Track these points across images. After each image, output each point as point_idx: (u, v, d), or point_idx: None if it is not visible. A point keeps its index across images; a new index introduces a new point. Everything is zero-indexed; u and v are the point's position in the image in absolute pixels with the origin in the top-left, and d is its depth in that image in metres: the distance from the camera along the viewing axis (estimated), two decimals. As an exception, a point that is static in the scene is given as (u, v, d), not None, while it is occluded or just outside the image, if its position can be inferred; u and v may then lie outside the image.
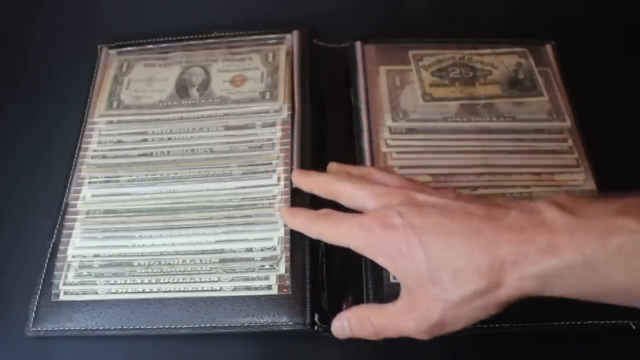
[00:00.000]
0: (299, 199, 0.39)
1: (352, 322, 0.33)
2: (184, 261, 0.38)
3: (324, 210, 0.34)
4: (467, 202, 0.31)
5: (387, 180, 0.35)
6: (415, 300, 0.30)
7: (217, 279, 0.37)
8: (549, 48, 0.47)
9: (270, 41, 0.48)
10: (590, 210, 0.27)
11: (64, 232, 0.39)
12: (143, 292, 0.37)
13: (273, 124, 0.43)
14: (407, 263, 0.30)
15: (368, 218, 0.32)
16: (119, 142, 0.43)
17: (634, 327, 0.35)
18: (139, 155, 0.42)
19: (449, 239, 0.29)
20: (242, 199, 0.40)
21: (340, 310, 0.36)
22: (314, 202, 0.39)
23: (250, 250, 0.37)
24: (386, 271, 0.37)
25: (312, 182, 0.37)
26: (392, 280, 0.36)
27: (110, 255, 0.38)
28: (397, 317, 0.31)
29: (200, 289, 0.37)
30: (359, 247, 0.32)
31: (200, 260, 0.37)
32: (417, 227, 0.30)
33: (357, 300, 0.37)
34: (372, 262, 0.37)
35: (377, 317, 0.32)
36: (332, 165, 0.39)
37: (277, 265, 0.37)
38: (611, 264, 0.26)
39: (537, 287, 0.28)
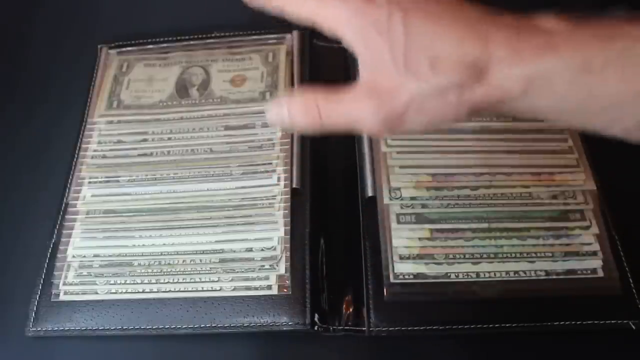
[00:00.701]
0: (299, 199, 0.39)
1: (295, 106, 0.28)
2: (184, 261, 0.38)
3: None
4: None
5: None
6: (378, 84, 0.27)
7: (217, 279, 0.37)
8: (549, 48, 0.47)
9: (270, 41, 0.48)
10: (589, 20, 0.26)
11: (64, 232, 0.39)
12: (143, 292, 0.37)
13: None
14: (380, 40, 0.26)
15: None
16: (119, 142, 0.43)
17: (634, 327, 0.35)
18: (139, 155, 0.42)
19: (437, 22, 0.26)
20: (242, 199, 0.40)
21: (339, 310, 0.36)
22: (314, 202, 0.40)
23: (250, 250, 0.37)
24: (386, 271, 0.37)
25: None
26: (392, 280, 0.36)
27: (110, 255, 0.38)
28: (351, 103, 0.27)
29: (200, 289, 0.37)
30: (333, 23, 0.27)
31: (200, 260, 0.37)
32: (404, 5, 0.26)
33: (357, 300, 0.37)
34: (372, 262, 0.37)
35: (326, 101, 0.28)
36: None
37: (277, 265, 0.37)
38: (610, 68, 0.24)
39: (521, 89, 0.25)
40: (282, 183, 0.40)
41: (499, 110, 0.26)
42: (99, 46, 0.49)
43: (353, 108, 0.27)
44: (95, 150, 0.43)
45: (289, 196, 0.39)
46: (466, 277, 0.36)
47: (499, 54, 0.25)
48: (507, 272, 0.37)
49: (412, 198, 0.39)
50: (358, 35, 0.27)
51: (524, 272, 0.37)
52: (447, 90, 0.26)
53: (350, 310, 0.37)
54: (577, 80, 0.25)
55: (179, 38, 0.49)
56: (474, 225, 0.38)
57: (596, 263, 0.37)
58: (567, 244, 0.38)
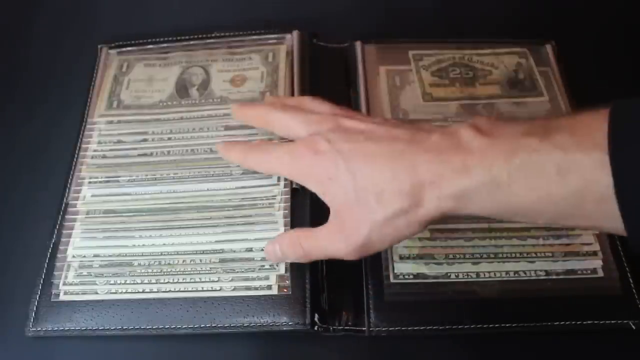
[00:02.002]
0: (299, 199, 0.39)
1: (284, 245, 0.35)
2: (184, 261, 0.38)
3: (256, 142, 0.38)
4: (393, 126, 0.33)
5: (320, 108, 0.36)
6: (343, 221, 0.32)
7: (217, 279, 0.37)
8: (549, 48, 0.47)
9: (270, 41, 0.48)
10: (503, 131, 0.29)
11: (64, 232, 0.39)
12: (143, 292, 0.37)
13: (273, 124, 0.43)
14: (335, 186, 0.32)
15: (298, 145, 0.34)
16: (119, 142, 0.43)
17: (634, 327, 0.35)
18: (139, 155, 0.42)
19: (374, 162, 0.31)
20: (242, 199, 0.40)
21: (339, 312, 0.37)
22: (314, 203, 0.39)
23: (250, 250, 0.37)
24: (386, 271, 0.37)
25: (249, 114, 0.39)
26: (392, 280, 0.36)
27: (110, 255, 0.38)
28: (326, 239, 0.33)
29: (200, 289, 0.37)
30: (290, 174, 0.35)
31: (200, 260, 0.37)
32: (344, 152, 0.32)
33: (358, 301, 0.37)
34: (372, 262, 0.37)
35: (306, 239, 0.34)
36: (269, 98, 0.42)
37: (277, 265, 0.37)
38: (514, 181, 0.27)
39: (453, 205, 0.29)
40: (282, 183, 0.40)
41: (449, 217, 0.31)
42: (99, 46, 0.49)
43: (328, 244, 0.33)
44: (95, 150, 0.43)
45: (289, 196, 0.39)
46: (466, 277, 0.37)
47: (427, 179, 0.29)
48: (507, 272, 0.37)
49: (412, 198, 0.39)
50: (316, 183, 0.33)
51: (524, 272, 0.37)
52: (395, 217, 0.30)
53: (350, 310, 0.37)
54: (491, 194, 0.28)
55: (179, 38, 0.49)
56: (474, 225, 0.38)
57: (596, 263, 0.37)
58: (567, 244, 0.38)
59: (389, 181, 0.30)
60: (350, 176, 0.31)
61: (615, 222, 0.26)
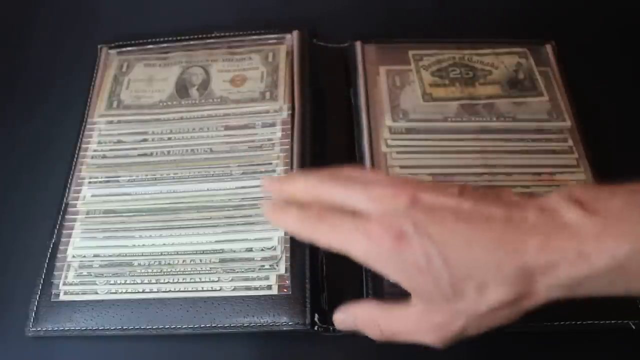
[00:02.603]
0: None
1: (359, 322, 0.31)
2: (184, 261, 0.38)
3: (316, 208, 0.29)
4: (479, 201, 0.28)
5: (377, 178, 0.30)
6: (432, 310, 0.28)
7: (217, 279, 0.37)
8: (549, 48, 0.47)
9: (270, 41, 0.48)
10: (612, 206, 0.26)
11: (64, 232, 0.39)
12: (143, 292, 0.37)
13: (273, 124, 0.43)
14: (425, 278, 0.27)
15: (375, 224, 0.27)
16: (119, 142, 0.43)
17: (634, 327, 0.35)
18: (139, 155, 0.42)
19: (471, 250, 0.26)
20: (242, 199, 0.40)
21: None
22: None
23: (250, 250, 0.37)
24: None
25: (290, 187, 0.31)
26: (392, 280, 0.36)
27: (110, 255, 0.38)
28: (411, 326, 0.29)
29: (200, 289, 0.37)
30: (364, 258, 0.28)
31: (200, 260, 0.37)
32: (435, 238, 0.27)
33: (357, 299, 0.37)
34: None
35: (387, 324, 0.30)
36: (298, 174, 0.34)
37: (277, 265, 0.37)
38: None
39: (567, 293, 0.27)
40: (282, 183, 0.40)
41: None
42: (99, 46, 0.49)
43: (414, 332, 0.29)
44: (95, 150, 0.43)
45: (289, 196, 0.39)
46: (466, 277, 0.36)
47: (537, 269, 0.26)
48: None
49: (412, 198, 0.39)
50: (400, 273, 0.28)
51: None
52: (498, 309, 0.27)
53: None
54: (616, 280, 0.26)
55: (179, 38, 0.49)
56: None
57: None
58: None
59: (492, 271, 0.26)
60: (445, 267, 0.26)
61: None
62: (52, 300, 0.37)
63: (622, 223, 0.25)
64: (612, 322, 0.35)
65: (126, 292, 0.37)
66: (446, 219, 0.27)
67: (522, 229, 0.26)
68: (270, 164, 0.41)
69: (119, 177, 0.41)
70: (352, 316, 0.31)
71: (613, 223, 0.25)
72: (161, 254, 0.38)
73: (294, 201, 0.31)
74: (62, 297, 0.37)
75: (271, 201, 0.32)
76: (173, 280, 0.37)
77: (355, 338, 0.36)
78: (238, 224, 0.39)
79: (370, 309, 0.31)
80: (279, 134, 0.42)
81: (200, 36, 0.49)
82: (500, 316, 0.28)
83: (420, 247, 0.27)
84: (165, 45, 0.49)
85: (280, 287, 0.36)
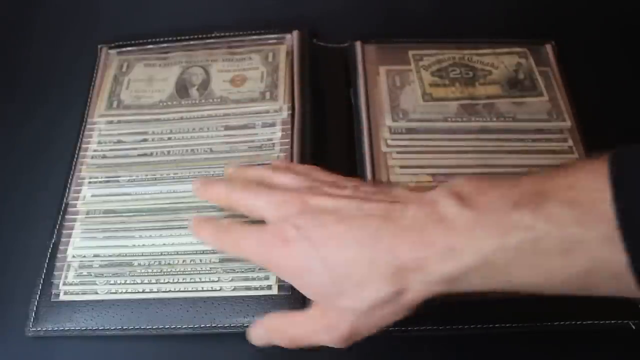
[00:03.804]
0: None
1: (270, 334, 0.32)
2: (184, 261, 0.38)
3: (225, 222, 0.35)
4: (366, 199, 0.30)
5: (285, 180, 0.34)
6: (325, 312, 0.30)
7: (217, 279, 0.37)
8: (549, 48, 0.47)
9: (270, 41, 0.48)
10: (489, 200, 0.26)
11: (64, 232, 0.39)
12: (143, 292, 0.37)
13: (273, 124, 0.43)
14: (310, 277, 0.29)
15: (267, 233, 0.31)
16: (119, 142, 0.43)
17: (634, 327, 0.35)
18: (139, 155, 0.42)
19: (348, 249, 0.28)
20: (242, 199, 0.40)
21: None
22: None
23: (250, 250, 0.37)
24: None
25: (209, 194, 0.36)
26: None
27: (110, 255, 0.38)
28: (309, 329, 0.31)
29: (200, 289, 0.37)
30: (261, 263, 0.32)
31: (200, 260, 0.37)
32: (314, 240, 0.29)
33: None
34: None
35: (292, 330, 0.31)
36: (229, 170, 0.38)
37: (277, 265, 0.37)
38: (512, 263, 0.25)
39: (443, 287, 0.27)
40: (282, 183, 0.40)
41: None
42: (99, 46, 0.49)
43: (312, 334, 0.30)
44: (95, 150, 0.43)
45: (289, 196, 0.39)
46: (466, 277, 0.36)
47: (410, 264, 0.27)
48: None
49: (412, 198, 0.39)
50: (290, 275, 0.31)
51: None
52: (380, 305, 0.28)
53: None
54: (486, 276, 0.26)
55: (179, 38, 0.49)
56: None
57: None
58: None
59: (367, 269, 0.28)
60: (324, 265, 0.28)
61: (635, 293, 0.23)
62: (52, 300, 0.37)
63: (491, 216, 0.26)
64: (612, 322, 0.35)
65: (126, 292, 0.37)
66: (327, 222, 0.29)
67: (398, 225, 0.28)
68: (270, 164, 0.41)
69: (119, 177, 0.41)
70: (263, 329, 0.33)
71: (484, 217, 0.26)
72: (161, 254, 0.38)
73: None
74: (62, 297, 0.37)
75: (196, 218, 0.35)
76: (173, 280, 0.37)
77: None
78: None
79: (276, 319, 0.32)
80: (279, 134, 0.42)
81: (200, 36, 0.49)
82: (385, 313, 0.29)
83: (301, 250, 0.29)
84: (165, 45, 0.49)
85: (280, 287, 0.36)
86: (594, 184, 0.23)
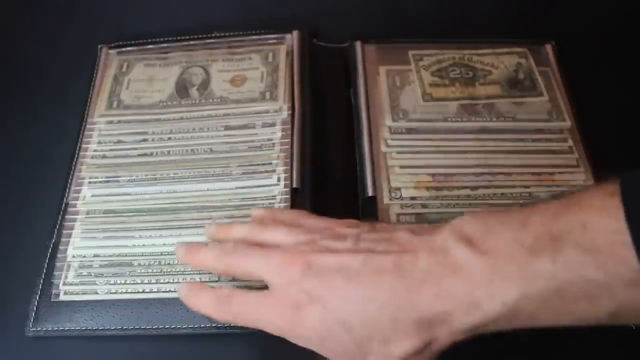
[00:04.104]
0: (300, 199, 0.39)
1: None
2: (184, 261, 0.38)
3: (225, 291, 0.31)
4: (370, 252, 0.28)
5: (278, 238, 0.31)
6: None
7: (217, 279, 0.37)
8: (549, 48, 0.47)
9: (270, 41, 0.48)
10: (501, 245, 0.26)
11: (64, 232, 0.39)
12: (143, 292, 0.37)
13: (273, 124, 0.43)
14: (332, 344, 0.28)
15: (276, 300, 0.29)
16: (119, 142, 0.43)
17: (634, 327, 0.35)
18: (139, 155, 0.42)
19: (366, 310, 0.27)
20: (242, 199, 0.40)
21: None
22: (314, 203, 0.39)
23: (250, 250, 0.37)
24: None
25: (197, 260, 0.33)
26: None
27: (110, 255, 0.38)
28: None
29: (200, 289, 0.37)
30: (278, 334, 0.30)
31: (200, 260, 0.37)
32: (327, 303, 0.28)
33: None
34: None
35: None
36: (211, 230, 0.35)
37: (277, 265, 0.37)
38: (537, 309, 0.25)
39: (470, 334, 0.27)
40: (282, 183, 0.40)
41: None
42: (99, 46, 0.49)
43: None
44: (95, 150, 0.43)
45: (289, 196, 0.39)
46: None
47: (434, 318, 0.26)
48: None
49: (412, 198, 0.39)
50: (308, 341, 0.29)
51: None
52: (408, 358, 0.27)
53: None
54: (512, 322, 0.26)
55: (179, 38, 0.49)
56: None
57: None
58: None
59: (390, 327, 0.27)
60: (344, 329, 0.27)
61: None
62: (52, 300, 0.37)
63: (510, 265, 0.25)
64: (612, 322, 0.35)
65: (126, 292, 0.37)
66: (336, 282, 0.28)
67: (412, 279, 0.27)
68: (270, 163, 0.41)
69: (119, 177, 0.41)
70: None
71: (501, 265, 0.25)
72: (161, 254, 0.38)
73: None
74: (62, 297, 0.37)
75: (187, 283, 0.34)
76: (173, 280, 0.37)
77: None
78: (238, 224, 0.38)
79: None
80: (279, 134, 0.42)
81: (200, 36, 0.49)
82: None
83: (316, 315, 0.28)
84: (165, 45, 0.49)
85: (280, 287, 0.36)
86: (608, 225, 0.23)
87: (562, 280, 0.24)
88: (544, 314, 0.25)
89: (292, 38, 0.48)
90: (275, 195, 0.39)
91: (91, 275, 0.38)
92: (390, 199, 0.39)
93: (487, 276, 0.25)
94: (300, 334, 0.29)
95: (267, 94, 0.44)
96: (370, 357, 0.28)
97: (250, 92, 0.45)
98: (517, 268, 0.25)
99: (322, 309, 0.28)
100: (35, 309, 0.37)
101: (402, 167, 0.41)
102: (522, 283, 0.25)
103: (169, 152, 0.42)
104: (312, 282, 0.28)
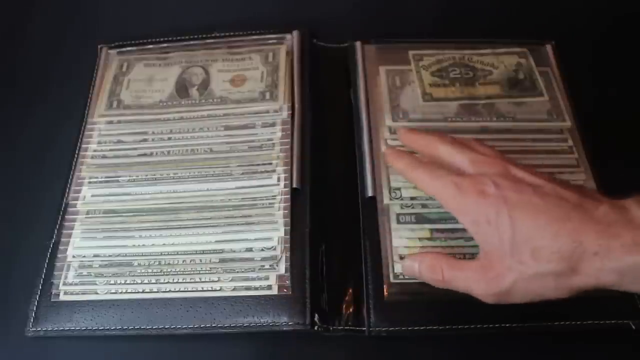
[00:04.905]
0: (299, 199, 0.39)
1: (424, 266, 0.34)
2: (184, 261, 0.38)
3: (425, 160, 0.36)
4: (561, 186, 0.31)
5: (487, 151, 0.35)
6: (490, 264, 0.31)
7: (217, 279, 0.37)
8: (549, 48, 0.47)
9: (270, 41, 0.48)
10: None
11: (64, 232, 0.39)
12: (143, 292, 0.37)
13: (273, 124, 0.43)
14: (491, 231, 0.31)
15: (466, 180, 0.33)
16: (119, 142, 0.43)
17: (634, 327, 0.35)
18: (139, 155, 0.42)
19: (537, 218, 0.30)
20: (242, 199, 0.40)
21: (339, 312, 0.37)
22: (314, 203, 0.39)
23: (250, 250, 0.37)
24: (386, 270, 0.37)
25: (417, 141, 0.37)
26: (392, 280, 0.36)
27: (110, 255, 0.38)
28: (469, 274, 0.32)
29: (200, 289, 0.37)
30: (448, 205, 0.33)
31: (200, 260, 0.37)
32: (509, 200, 0.31)
33: (357, 300, 0.37)
34: (372, 262, 0.37)
35: (450, 268, 0.33)
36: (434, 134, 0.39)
37: (277, 265, 0.37)
38: None
39: (614, 280, 0.28)
40: (282, 183, 0.40)
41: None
42: (99, 46, 0.49)
43: (470, 281, 0.32)
44: (95, 150, 0.43)
45: (289, 196, 0.39)
46: (466, 277, 0.36)
47: (591, 249, 0.28)
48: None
49: (412, 198, 0.39)
50: (474, 223, 0.32)
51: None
52: (546, 277, 0.30)
53: (350, 310, 0.37)
54: None
55: (179, 38, 0.49)
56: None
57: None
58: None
59: (549, 240, 0.29)
60: (511, 226, 0.30)
61: None
62: (52, 300, 0.37)
63: None
64: (612, 322, 0.35)
65: (126, 292, 0.37)
66: (525, 191, 0.31)
67: (588, 215, 0.29)
68: (270, 163, 0.41)
69: (119, 177, 0.41)
70: (418, 262, 0.34)
71: None
72: (161, 254, 0.38)
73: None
74: (62, 297, 0.37)
75: (392, 148, 0.40)
76: (173, 280, 0.37)
77: (355, 338, 0.36)
78: (238, 224, 0.39)
79: (435, 256, 0.34)
80: (279, 134, 0.42)
81: (200, 36, 0.49)
82: (547, 286, 0.30)
83: (495, 204, 0.31)
84: (165, 45, 0.49)
85: (280, 287, 0.36)
86: None
87: None
88: None
89: (292, 38, 0.48)
90: (275, 195, 0.40)
91: (91, 275, 0.38)
92: (390, 199, 0.39)
93: (634, 238, 0.27)
94: (472, 212, 0.32)
95: (267, 94, 0.44)
96: (515, 258, 0.30)
97: (250, 92, 0.45)
98: None
99: (503, 202, 0.31)
100: (35, 309, 0.37)
101: (402, 167, 0.41)
102: None
103: (169, 152, 0.42)
104: (504, 181, 0.32)
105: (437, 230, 0.38)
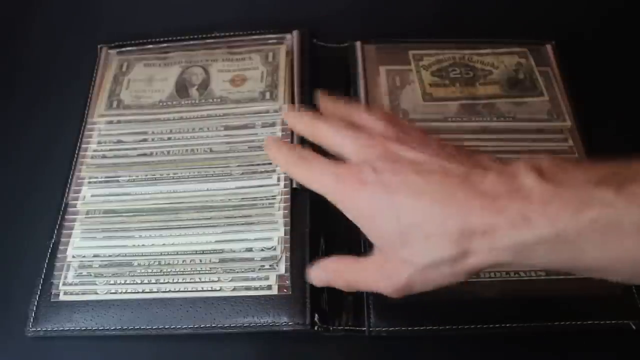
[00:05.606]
0: (299, 199, 0.39)
1: (330, 275, 0.33)
2: (184, 261, 0.38)
3: (305, 152, 0.33)
4: (448, 159, 0.29)
5: (373, 124, 0.32)
6: (386, 259, 0.30)
7: (217, 279, 0.37)
8: (549, 48, 0.47)
9: (270, 41, 0.48)
10: (570, 177, 0.26)
11: (64, 232, 0.39)
12: (143, 292, 0.37)
13: (273, 124, 0.43)
14: (379, 223, 0.29)
15: (344, 170, 0.31)
16: (119, 142, 0.43)
17: (634, 327, 0.35)
18: (139, 155, 0.42)
19: (421, 201, 0.28)
20: (242, 199, 0.40)
21: (339, 312, 0.37)
22: (314, 203, 0.39)
23: (250, 250, 0.37)
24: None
25: (297, 122, 0.35)
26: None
27: (110, 255, 0.38)
28: (368, 275, 0.31)
29: (200, 289, 0.37)
30: (331, 199, 0.31)
31: (200, 260, 0.37)
32: (390, 186, 0.28)
33: (358, 301, 0.37)
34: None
35: (350, 272, 0.32)
36: (324, 102, 0.36)
37: (277, 265, 0.37)
38: (585, 239, 0.25)
39: (508, 257, 0.27)
40: (282, 183, 0.40)
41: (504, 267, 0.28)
42: (99, 46, 0.49)
43: (370, 281, 0.31)
44: (95, 150, 0.43)
45: (289, 196, 0.39)
46: (466, 277, 0.36)
47: (479, 228, 0.26)
48: (507, 272, 0.37)
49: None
50: (358, 216, 0.30)
51: (524, 272, 0.37)
52: (440, 265, 0.28)
53: (350, 310, 0.37)
54: (556, 250, 0.26)
55: (179, 38, 0.49)
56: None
57: (596, 263, 0.37)
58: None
59: (436, 225, 0.27)
60: (395, 213, 0.28)
61: None
62: (52, 300, 0.37)
63: (571, 191, 0.25)
64: (612, 322, 0.35)
65: (126, 292, 0.37)
66: (406, 171, 0.29)
67: (475, 189, 0.27)
68: (270, 163, 0.41)
69: (118, 177, 0.41)
70: (323, 270, 0.33)
71: (565, 191, 0.25)
72: (161, 254, 0.38)
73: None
74: (62, 297, 0.37)
75: (273, 138, 0.37)
76: (173, 280, 0.37)
77: (355, 338, 0.36)
78: (238, 224, 0.39)
79: (336, 262, 0.33)
80: (279, 134, 0.42)
81: (200, 36, 0.49)
82: (444, 273, 0.28)
83: (375, 194, 0.29)
84: (165, 45, 0.49)
85: (280, 287, 0.36)
86: None
87: (619, 210, 0.24)
88: (589, 245, 0.25)
89: (292, 38, 0.48)
90: (275, 195, 0.39)
91: (91, 275, 0.38)
92: (390, 199, 0.39)
93: (545, 198, 0.25)
94: (355, 207, 0.30)
95: (267, 94, 0.44)
96: (407, 249, 0.28)
97: (250, 92, 0.45)
98: (576, 193, 0.25)
99: (383, 189, 0.29)
100: (35, 309, 0.37)
101: (402, 167, 0.41)
102: (576, 207, 0.25)
103: (168, 152, 0.42)
104: (384, 165, 0.29)
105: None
